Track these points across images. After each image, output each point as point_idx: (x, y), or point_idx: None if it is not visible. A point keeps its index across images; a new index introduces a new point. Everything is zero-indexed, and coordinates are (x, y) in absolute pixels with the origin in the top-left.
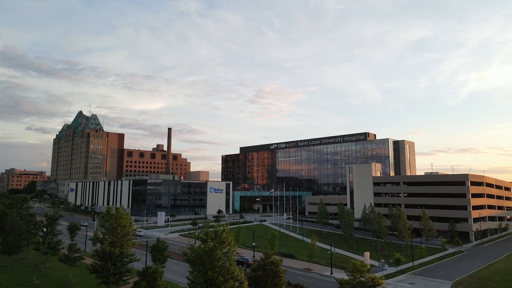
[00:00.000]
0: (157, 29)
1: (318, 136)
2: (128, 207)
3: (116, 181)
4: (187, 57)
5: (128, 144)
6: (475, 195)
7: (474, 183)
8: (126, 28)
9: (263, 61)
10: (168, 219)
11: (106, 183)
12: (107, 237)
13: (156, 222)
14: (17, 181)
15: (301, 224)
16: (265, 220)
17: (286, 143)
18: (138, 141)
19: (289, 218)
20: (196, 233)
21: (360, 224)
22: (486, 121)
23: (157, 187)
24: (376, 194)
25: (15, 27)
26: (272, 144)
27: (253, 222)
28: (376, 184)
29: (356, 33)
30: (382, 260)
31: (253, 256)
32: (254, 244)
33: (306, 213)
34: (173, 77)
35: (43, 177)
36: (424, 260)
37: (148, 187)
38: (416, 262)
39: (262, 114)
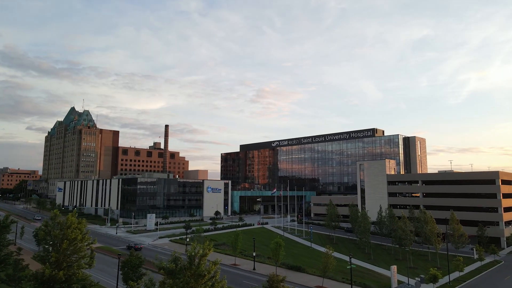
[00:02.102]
0: (157, 29)
1: (322, 133)
2: (117, 208)
3: (104, 180)
4: (187, 56)
5: (128, 144)
6: (506, 195)
7: (504, 182)
8: (126, 27)
9: (264, 60)
10: (158, 222)
11: (95, 182)
12: (49, 254)
13: (146, 225)
14: (8, 180)
15: (307, 228)
16: (266, 223)
17: (288, 140)
18: (139, 141)
19: (293, 221)
20: (187, 240)
21: (375, 228)
22: (487, 120)
23: (148, 186)
24: (390, 194)
25: (15, 27)
26: (273, 142)
27: (253, 225)
28: (390, 183)
29: (357, 32)
30: (417, 278)
31: (254, 269)
32: (254, 254)
33: (312, 215)
34: (174, 77)
35: (35, 176)
36: (460, 274)
37: (138, 186)
38: (451, 277)
39: (263, 114)
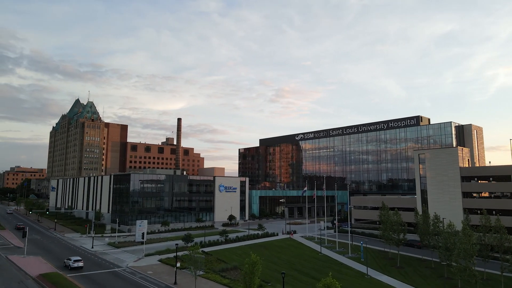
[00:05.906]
0: (177, 30)
1: (355, 123)
2: (108, 212)
3: (95, 177)
4: (207, 57)
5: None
6: None
7: None
8: (147, 29)
9: (283, 59)
10: (144, 233)
11: (86, 180)
12: None
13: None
14: (13, 179)
15: (351, 239)
16: (295, 231)
17: (314, 132)
18: (159, 141)
19: (329, 228)
20: (178, 265)
21: None
22: None
23: (147, 185)
24: (465, 195)
25: (40, 31)
26: (297, 135)
27: (277, 235)
28: (465, 178)
29: (379, 29)
30: None
31: None
32: None
33: (352, 221)
34: (194, 78)
35: (42, 175)
36: None
37: (134, 185)
38: None
39: (282, 113)
